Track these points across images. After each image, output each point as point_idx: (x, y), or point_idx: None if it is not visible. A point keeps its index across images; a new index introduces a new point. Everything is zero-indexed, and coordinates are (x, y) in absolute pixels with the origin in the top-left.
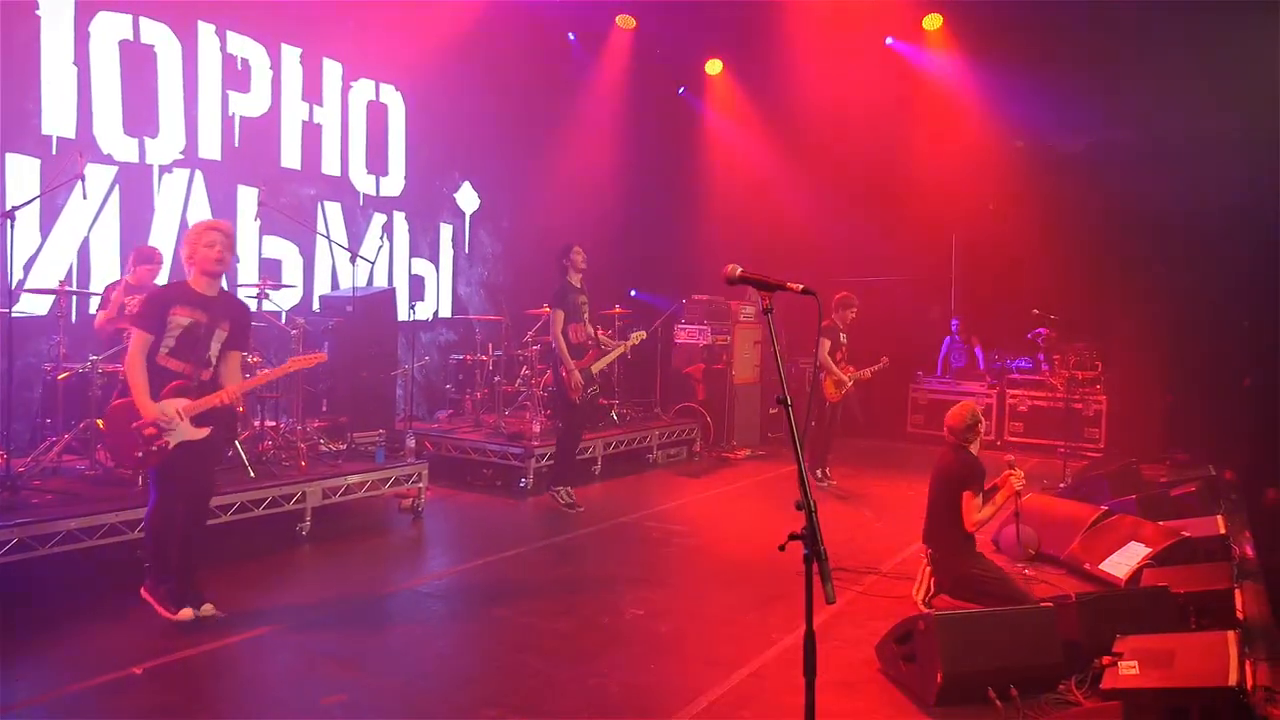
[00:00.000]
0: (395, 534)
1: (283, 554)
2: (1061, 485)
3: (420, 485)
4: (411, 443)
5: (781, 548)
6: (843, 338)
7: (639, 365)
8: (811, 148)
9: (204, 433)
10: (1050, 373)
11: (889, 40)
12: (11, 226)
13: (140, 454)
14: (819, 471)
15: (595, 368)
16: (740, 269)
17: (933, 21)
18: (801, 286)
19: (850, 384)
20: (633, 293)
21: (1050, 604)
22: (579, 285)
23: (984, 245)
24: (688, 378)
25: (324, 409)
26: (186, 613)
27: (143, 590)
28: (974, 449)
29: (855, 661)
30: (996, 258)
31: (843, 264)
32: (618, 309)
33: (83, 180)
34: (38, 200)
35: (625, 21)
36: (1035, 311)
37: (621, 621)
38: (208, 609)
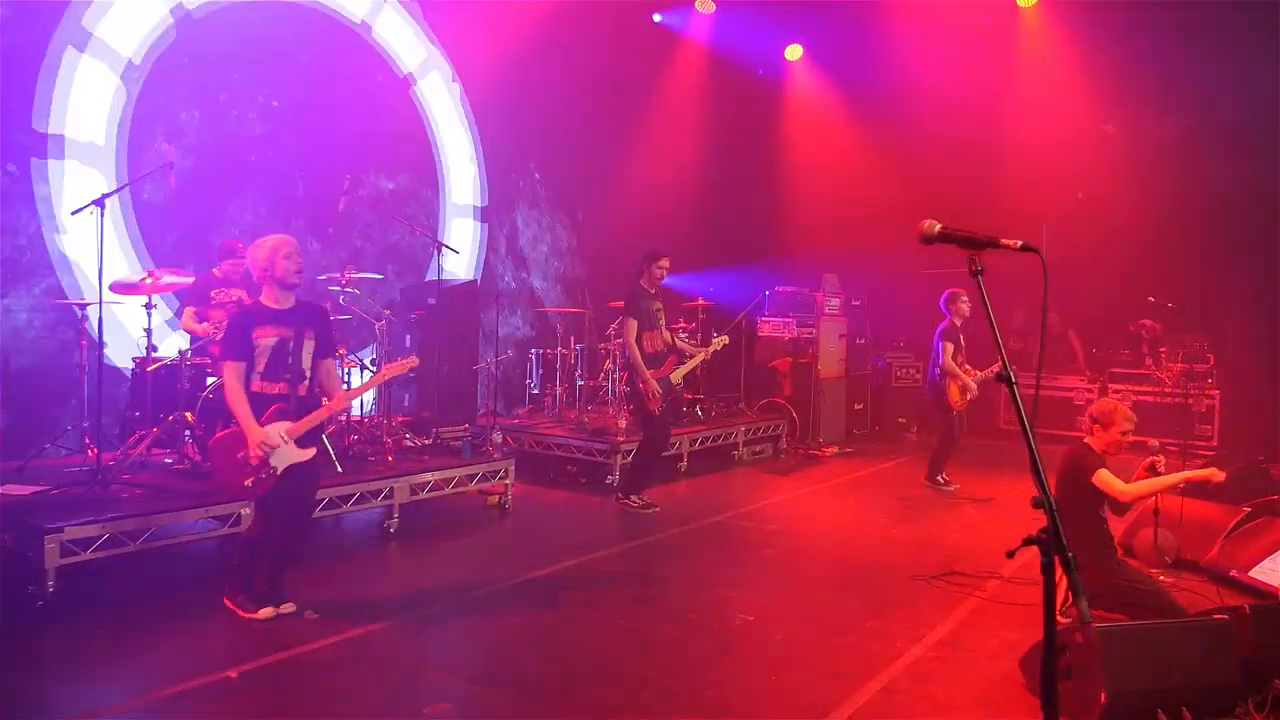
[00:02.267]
0: (483, 531)
1: (372, 551)
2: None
3: (507, 481)
4: (498, 437)
5: (1010, 554)
6: (961, 340)
7: (722, 359)
8: (896, 135)
9: (309, 454)
10: (1156, 366)
11: (987, 21)
12: (102, 216)
13: (249, 483)
14: (939, 478)
15: (675, 376)
16: (939, 225)
17: None
18: (1020, 243)
19: (976, 389)
20: (712, 289)
21: (1225, 616)
22: (653, 291)
23: (1077, 235)
24: (773, 372)
25: (406, 403)
26: (266, 611)
27: (225, 599)
28: (1101, 442)
29: (995, 677)
30: (1091, 247)
31: (930, 254)
32: (700, 302)
33: (171, 169)
34: (126, 193)
35: (705, 6)
36: (1151, 299)
37: (731, 627)
38: (287, 607)
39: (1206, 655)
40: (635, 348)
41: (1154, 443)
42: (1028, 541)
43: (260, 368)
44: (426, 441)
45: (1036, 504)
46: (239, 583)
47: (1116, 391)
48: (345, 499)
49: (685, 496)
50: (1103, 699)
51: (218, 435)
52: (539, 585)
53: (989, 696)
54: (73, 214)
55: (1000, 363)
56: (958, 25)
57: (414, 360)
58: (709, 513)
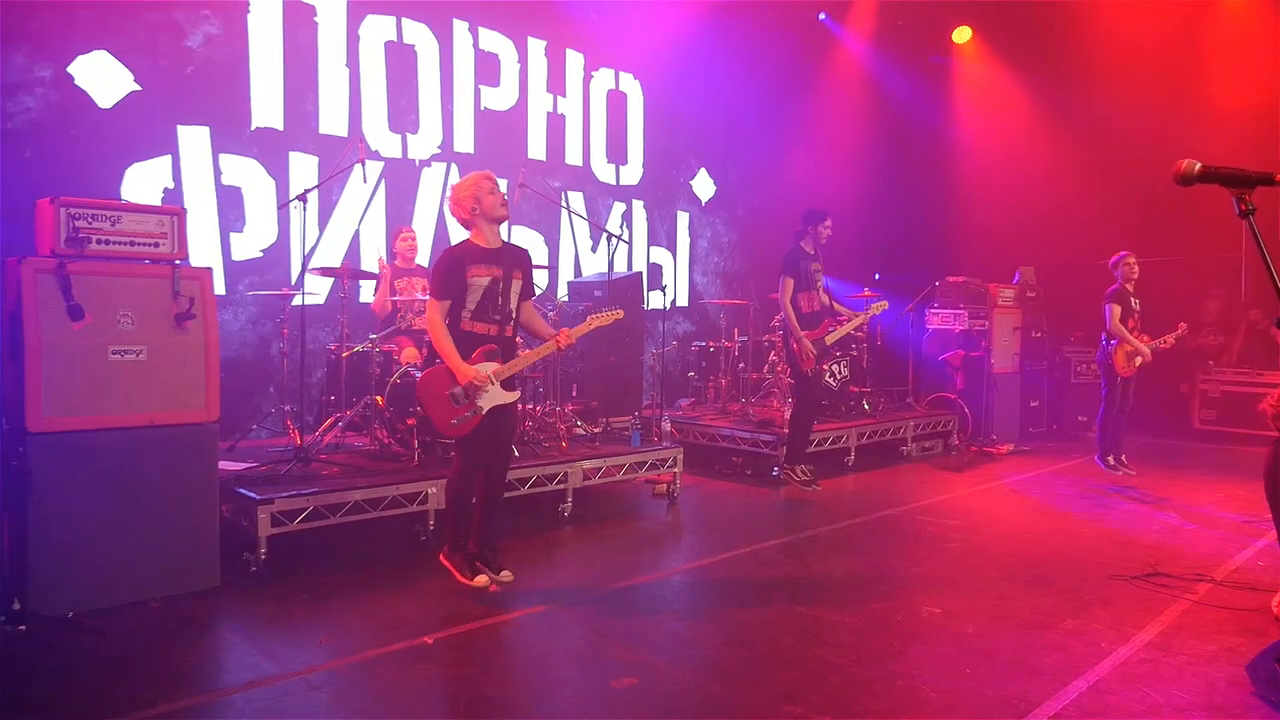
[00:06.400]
0: (653, 519)
1: (549, 534)
2: None
3: (676, 470)
4: (667, 426)
5: None
6: (1135, 303)
7: (890, 352)
8: (1077, 116)
9: (514, 396)
10: None
11: None
12: (304, 209)
13: (455, 420)
14: (1110, 458)
15: (830, 339)
16: (1199, 164)
17: None
18: None
19: (1149, 354)
20: (877, 276)
21: None
22: (812, 252)
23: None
24: (943, 365)
25: (575, 393)
26: (482, 579)
27: (441, 556)
28: None
29: (1219, 682)
30: None
31: (1115, 243)
32: (867, 292)
33: (364, 165)
34: (317, 194)
35: None
36: None
37: (918, 620)
38: (506, 576)
39: None
40: (790, 307)
41: None
42: None
43: (472, 307)
44: (596, 430)
45: None
46: (453, 539)
47: None
48: (522, 482)
49: (854, 490)
50: None
51: (425, 372)
52: (714, 570)
53: (1214, 702)
54: (279, 208)
55: None
56: None
57: (619, 313)
58: (879, 506)
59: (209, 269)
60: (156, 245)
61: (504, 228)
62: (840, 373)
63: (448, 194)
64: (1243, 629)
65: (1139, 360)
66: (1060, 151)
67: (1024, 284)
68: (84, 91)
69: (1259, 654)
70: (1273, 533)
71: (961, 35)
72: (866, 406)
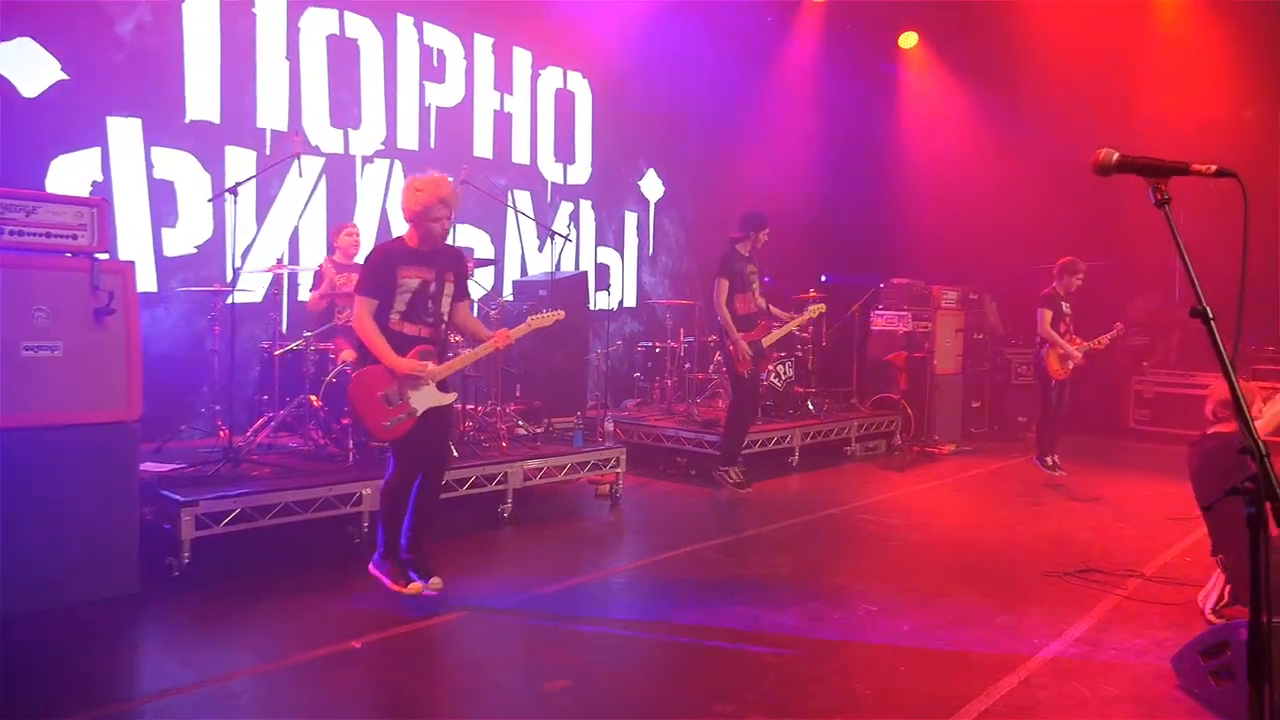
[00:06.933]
0: (595, 519)
1: (488, 534)
2: None
3: (618, 470)
4: (610, 426)
5: (1209, 507)
6: (1065, 307)
7: (834, 353)
8: (1021, 120)
9: (450, 398)
10: None
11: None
12: (235, 203)
13: (388, 423)
14: (1048, 459)
15: (767, 341)
16: (1117, 153)
17: None
18: (1214, 168)
19: (1081, 357)
20: (823, 278)
21: None
22: (747, 254)
23: (1211, 221)
24: (887, 366)
25: (518, 393)
26: (415, 586)
27: (371, 566)
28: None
29: (1145, 675)
30: (1229, 235)
31: (1056, 246)
32: (812, 293)
33: (298, 159)
34: (254, 188)
35: None
36: None
37: (854, 618)
38: (436, 583)
39: None
40: (725, 309)
41: None
42: (1231, 492)
43: (401, 308)
44: (538, 430)
45: (1243, 451)
46: (385, 546)
47: (1263, 388)
48: (461, 482)
49: (798, 490)
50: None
51: (357, 373)
52: (654, 571)
53: (1139, 695)
54: (210, 200)
55: (1198, 299)
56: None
57: (560, 314)
58: (822, 506)
59: (131, 263)
60: (75, 237)
61: None
62: (785, 373)
63: (406, 182)
64: (1170, 623)
65: (1071, 363)
66: (1005, 155)
67: (965, 287)
68: (6, 80)
69: (1183, 647)
70: (1201, 529)
71: (908, 40)
72: (811, 407)
